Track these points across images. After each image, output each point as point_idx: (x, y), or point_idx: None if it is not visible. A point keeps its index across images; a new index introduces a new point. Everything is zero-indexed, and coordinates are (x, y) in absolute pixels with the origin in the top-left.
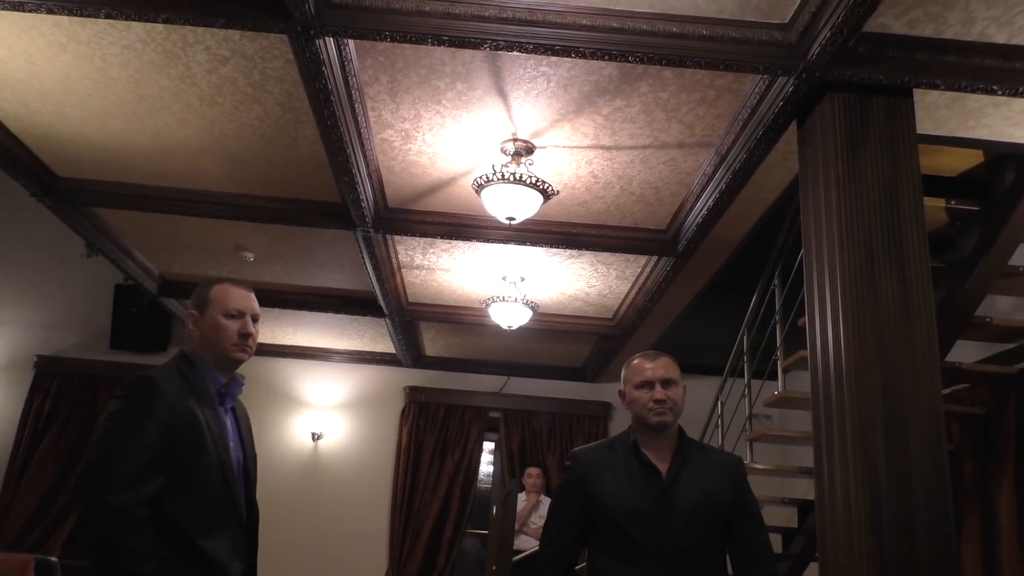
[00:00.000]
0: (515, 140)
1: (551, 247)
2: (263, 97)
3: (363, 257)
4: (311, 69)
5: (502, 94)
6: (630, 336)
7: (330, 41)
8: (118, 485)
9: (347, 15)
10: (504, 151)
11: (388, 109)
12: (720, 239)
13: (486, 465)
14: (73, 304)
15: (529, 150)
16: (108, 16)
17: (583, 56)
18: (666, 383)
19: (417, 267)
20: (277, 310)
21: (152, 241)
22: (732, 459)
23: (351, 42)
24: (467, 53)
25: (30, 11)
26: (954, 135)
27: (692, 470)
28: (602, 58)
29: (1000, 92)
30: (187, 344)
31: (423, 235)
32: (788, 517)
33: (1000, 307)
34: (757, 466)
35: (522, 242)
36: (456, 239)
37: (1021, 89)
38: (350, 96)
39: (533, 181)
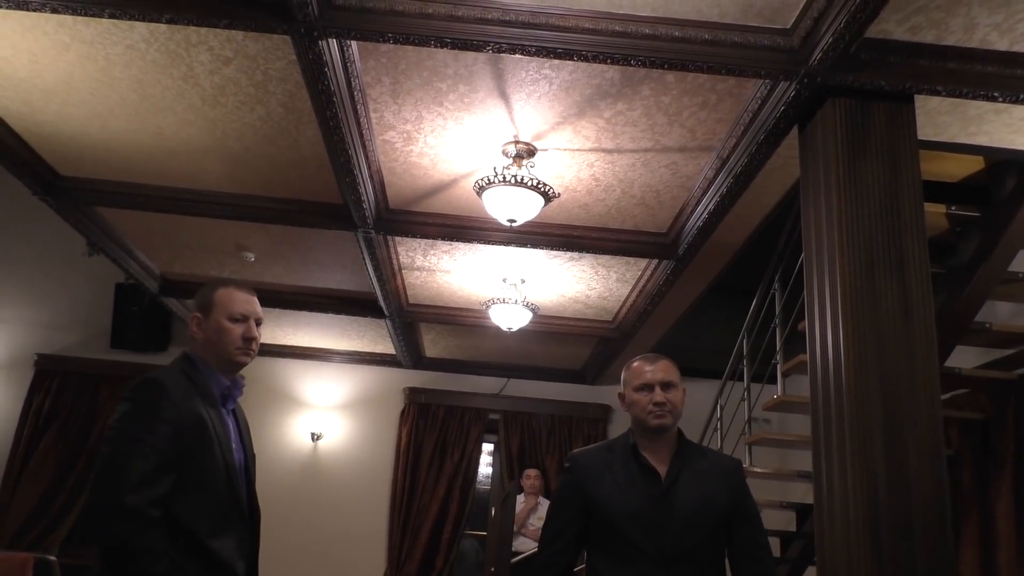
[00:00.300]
0: (517, 142)
1: (552, 249)
2: (266, 98)
3: (364, 258)
4: (314, 70)
5: (504, 96)
6: (630, 339)
7: (333, 42)
8: (132, 486)
9: (350, 17)
10: (506, 153)
11: (390, 111)
12: (721, 243)
13: (485, 467)
14: (74, 303)
15: (531, 152)
16: (112, 16)
17: (585, 59)
18: (666, 386)
19: (418, 268)
20: (278, 310)
21: (153, 241)
22: (731, 462)
23: (354, 44)
24: (470, 55)
25: (34, 10)
26: (955, 141)
27: (691, 473)
28: (604, 61)
29: (1001, 99)
30: (190, 346)
31: (424, 236)
32: (787, 521)
33: (1000, 313)
34: (756, 470)
35: (523, 244)
36: (457, 241)
37: (1022, 96)
38: (352, 97)
39: (534, 184)
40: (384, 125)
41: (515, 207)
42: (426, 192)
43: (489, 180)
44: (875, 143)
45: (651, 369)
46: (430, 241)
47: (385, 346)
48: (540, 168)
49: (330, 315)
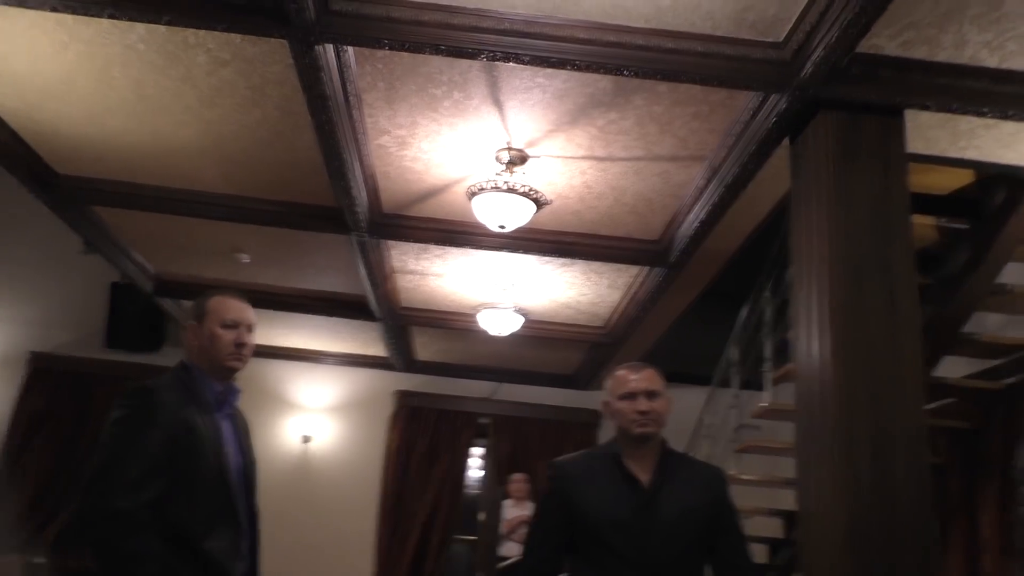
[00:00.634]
0: (510, 149)
1: (544, 255)
2: (262, 101)
3: (357, 261)
4: (310, 75)
5: (498, 104)
6: (621, 344)
7: (329, 48)
8: (124, 490)
9: (347, 22)
10: (498, 160)
11: (385, 116)
12: (712, 251)
13: (475, 470)
14: (68, 301)
15: (523, 159)
16: (111, 16)
17: (579, 68)
18: (650, 395)
19: (410, 272)
20: (271, 312)
21: (149, 241)
22: (715, 471)
23: (350, 49)
24: (464, 63)
25: (34, 8)
26: (945, 155)
27: (675, 482)
28: (597, 71)
29: (991, 115)
30: (186, 355)
31: (417, 240)
32: (775, 528)
33: (988, 324)
34: (744, 477)
35: (515, 250)
36: (449, 245)
37: (1011, 112)
38: (348, 102)
39: (526, 190)
40: (378, 130)
41: (505, 213)
42: (419, 196)
43: (480, 186)
44: (865, 156)
45: (636, 378)
46: (423, 245)
47: (377, 349)
48: (533, 175)
49: (323, 317)
